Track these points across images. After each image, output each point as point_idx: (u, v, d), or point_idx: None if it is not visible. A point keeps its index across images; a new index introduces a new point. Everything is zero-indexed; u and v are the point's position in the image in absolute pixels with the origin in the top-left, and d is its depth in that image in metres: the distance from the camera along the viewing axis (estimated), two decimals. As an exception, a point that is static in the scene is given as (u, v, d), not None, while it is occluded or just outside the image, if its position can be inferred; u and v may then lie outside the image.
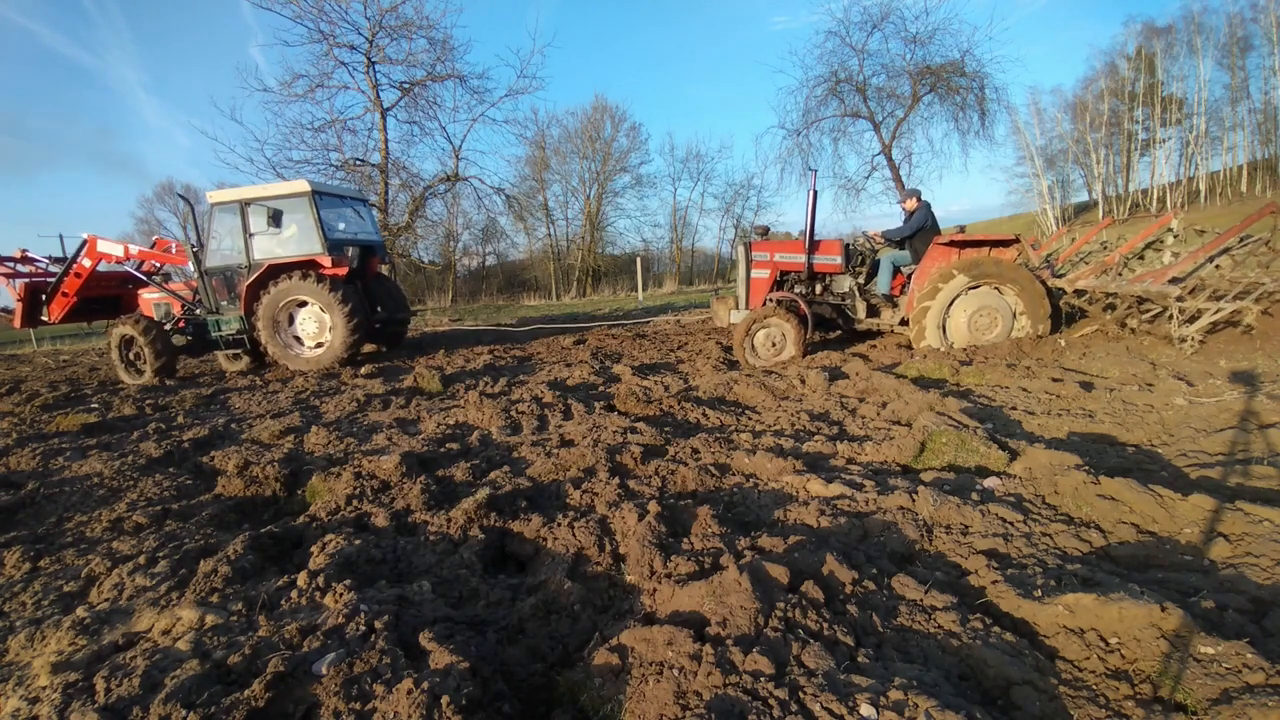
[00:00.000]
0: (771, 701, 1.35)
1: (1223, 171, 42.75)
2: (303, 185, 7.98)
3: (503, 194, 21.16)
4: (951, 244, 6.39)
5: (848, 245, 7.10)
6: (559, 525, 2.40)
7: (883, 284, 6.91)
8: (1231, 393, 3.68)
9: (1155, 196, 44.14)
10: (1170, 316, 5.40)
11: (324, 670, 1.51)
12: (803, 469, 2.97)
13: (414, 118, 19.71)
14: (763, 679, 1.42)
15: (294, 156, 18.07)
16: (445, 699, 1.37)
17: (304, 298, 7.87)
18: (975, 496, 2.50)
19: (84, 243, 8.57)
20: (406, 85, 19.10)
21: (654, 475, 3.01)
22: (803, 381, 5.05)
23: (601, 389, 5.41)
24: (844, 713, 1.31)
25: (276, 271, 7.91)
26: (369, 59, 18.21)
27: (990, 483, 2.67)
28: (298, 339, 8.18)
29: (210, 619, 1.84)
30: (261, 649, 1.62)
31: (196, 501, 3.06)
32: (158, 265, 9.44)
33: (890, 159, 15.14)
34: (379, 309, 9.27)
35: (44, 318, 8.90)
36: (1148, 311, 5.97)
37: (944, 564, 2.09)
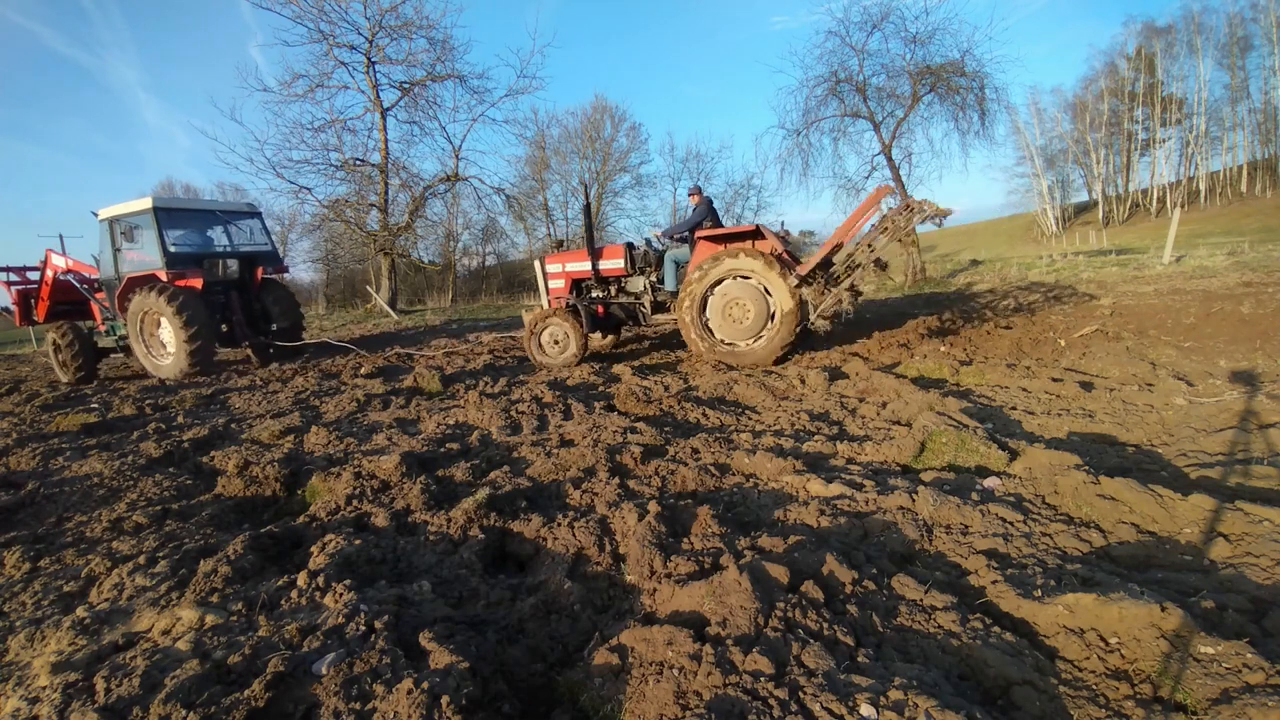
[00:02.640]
0: (771, 701, 1.35)
1: (1223, 171, 42.77)
2: (145, 203, 8.33)
3: (503, 194, 21.14)
4: (711, 239, 6.63)
5: (632, 247, 7.43)
6: (559, 525, 2.40)
7: (669, 282, 7.11)
8: (1231, 393, 3.68)
9: (1155, 196, 44.15)
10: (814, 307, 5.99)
11: (324, 670, 1.51)
12: (803, 469, 2.97)
13: (414, 118, 19.71)
14: (763, 679, 1.42)
15: (294, 156, 18.07)
16: (445, 699, 1.37)
17: (155, 309, 8.14)
18: (975, 496, 2.50)
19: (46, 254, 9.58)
20: (406, 85, 19.09)
21: (654, 475, 3.00)
22: (803, 381, 5.05)
23: (601, 389, 5.41)
24: (844, 713, 1.31)
25: (134, 284, 8.30)
26: (369, 59, 18.21)
27: (990, 483, 2.67)
28: (165, 348, 8.48)
29: (210, 619, 1.84)
30: (261, 649, 1.62)
31: (196, 501, 3.06)
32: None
33: (890, 159, 15.10)
34: (270, 316, 9.55)
35: (35, 318, 9.90)
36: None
37: (944, 564, 2.09)
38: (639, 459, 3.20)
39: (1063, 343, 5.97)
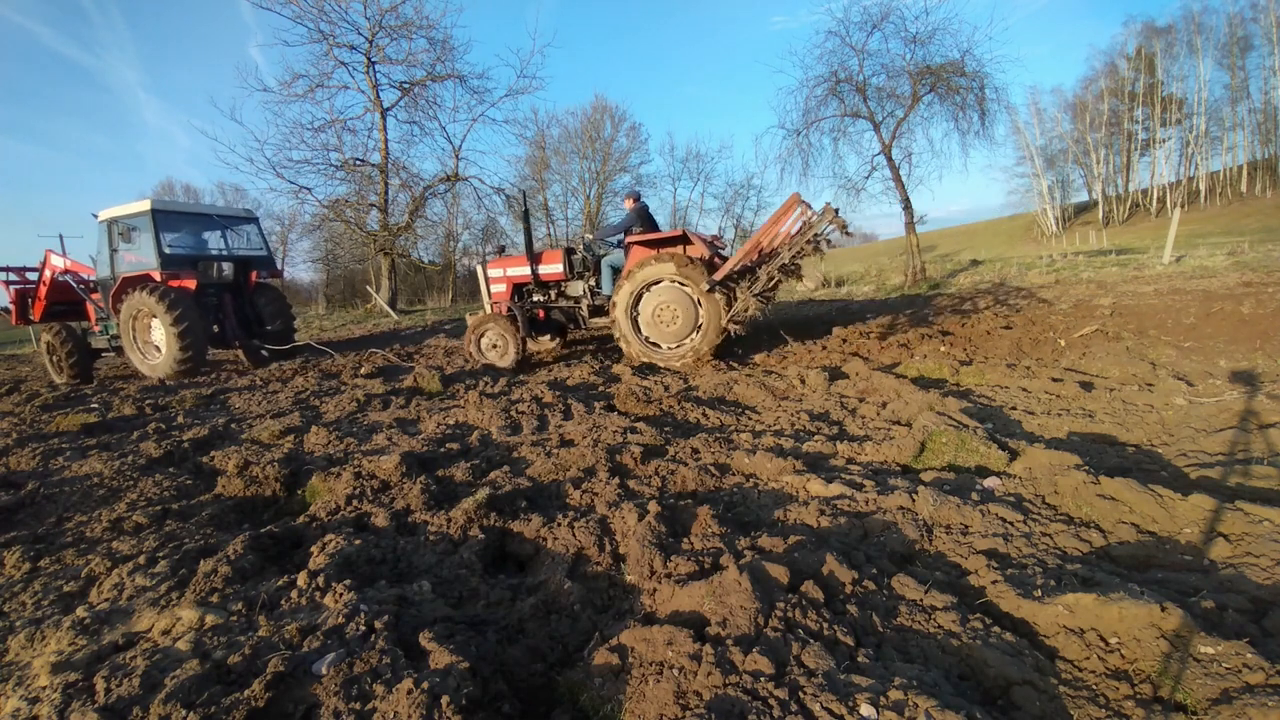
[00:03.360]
0: (771, 701, 1.35)
1: (1223, 171, 42.79)
2: (144, 205, 8.50)
3: (502, 194, 21.15)
4: (643, 243, 6.78)
5: (571, 252, 7.59)
6: (559, 525, 2.40)
7: (606, 286, 7.23)
8: (1231, 393, 3.68)
9: (1155, 196, 44.16)
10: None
11: (324, 670, 1.51)
12: (803, 469, 2.96)
13: (414, 118, 19.73)
14: (763, 679, 1.42)
15: (294, 156, 18.10)
16: (445, 699, 1.37)
17: (147, 308, 8.25)
18: (975, 496, 2.50)
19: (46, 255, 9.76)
20: (406, 85, 19.11)
21: (654, 475, 3.00)
22: (803, 381, 5.05)
23: (601, 389, 5.41)
24: (844, 713, 1.31)
25: (129, 284, 8.42)
26: (369, 59, 18.22)
27: (990, 483, 2.67)
28: (155, 348, 8.59)
29: (210, 619, 1.84)
30: (261, 649, 1.62)
31: (196, 501, 3.06)
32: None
33: (890, 159, 15.09)
34: (262, 319, 9.78)
35: (31, 317, 10.02)
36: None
37: (944, 564, 2.09)
38: (639, 459, 3.20)
39: (1063, 343, 5.97)
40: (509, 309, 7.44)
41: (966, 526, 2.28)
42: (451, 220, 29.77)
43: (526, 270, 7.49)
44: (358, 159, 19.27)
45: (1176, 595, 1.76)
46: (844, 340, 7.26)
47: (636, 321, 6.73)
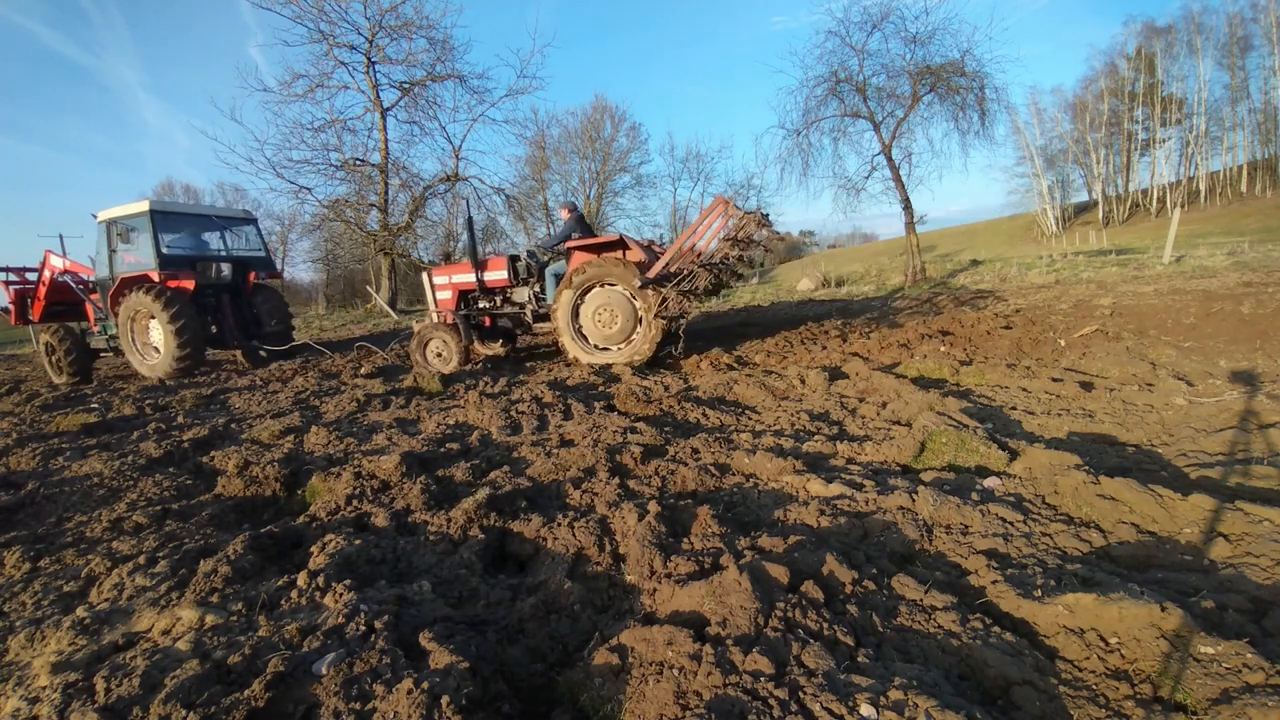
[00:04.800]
0: (771, 701, 1.35)
1: (1223, 171, 42.76)
2: (143, 206, 8.57)
3: (502, 194, 21.17)
4: (582, 249, 6.96)
5: (515, 259, 7.72)
6: (559, 525, 2.40)
7: (549, 294, 7.36)
8: (1231, 393, 3.68)
9: (1155, 196, 44.14)
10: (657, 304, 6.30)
11: (324, 670, 1.51)
12: (803, 469, 2.96)
13: (414, 118, 19.77)
14: (763, 679, 1.42)
15: (294, 156, 18.14)
16: (445, 699, 1.37)
17: (146, 309, 8.29)
18: (975, 496, 2.50)
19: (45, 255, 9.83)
20: (406, 85, 19.13)
21: (654, 475, 3.00)
22: (803, 381, 5.05)
23: (601, 389, 5.41)
24: (844, 713, 1.31)
25: (128, 284, 8.48)
26: (369, 59, 18.24)
27: (990, 483, 2.67)
28: (154, 348, 8.65)
29: (210, 619, 1.84)
30: (261, 649, 1.62)
31: (196, 501, 3.06)
32: None
33: (890, 159, 15.09)
34: (260, 320, 9.85)
35: (30, 318, 10.08)
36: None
37: (944, 564, 2.09)
38: (639, 459, 3.20)
39: (1063, 343, 5.97)
40: (453, 317, 7.56)
41: (966, 526, 2.28)
42: (451, 220, 29.80)
43: (471, 277, 7.61)
44: (358, 159, 19.29)
45: (1176, 595, 1.76)
46: (843, 340, 7.26)
47: (578, 325, 6.89)
